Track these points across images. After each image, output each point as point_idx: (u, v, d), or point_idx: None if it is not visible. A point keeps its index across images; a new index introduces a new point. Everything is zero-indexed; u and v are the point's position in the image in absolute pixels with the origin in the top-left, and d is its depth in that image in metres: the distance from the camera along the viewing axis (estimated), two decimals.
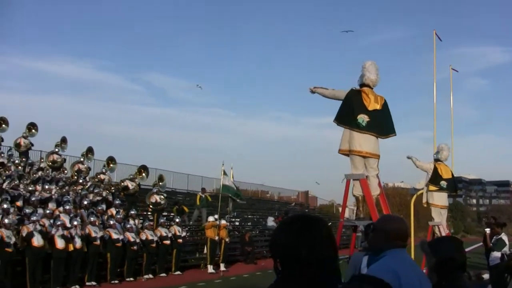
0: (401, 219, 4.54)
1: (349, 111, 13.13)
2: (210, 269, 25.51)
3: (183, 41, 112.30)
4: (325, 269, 2.69)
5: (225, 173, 27.26)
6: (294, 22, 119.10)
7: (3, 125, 26.54)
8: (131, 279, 21.58)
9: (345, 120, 13.21)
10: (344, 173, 13.30)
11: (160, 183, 27.40)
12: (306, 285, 2.62)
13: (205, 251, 26.98)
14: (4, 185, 20.84)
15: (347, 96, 13.31)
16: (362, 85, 13.23)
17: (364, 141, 13.04)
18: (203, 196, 32.42)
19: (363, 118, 12.98)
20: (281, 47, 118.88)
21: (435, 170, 18.67)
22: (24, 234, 17.90)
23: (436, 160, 18.95)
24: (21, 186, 21.56)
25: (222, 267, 26.23)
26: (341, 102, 13.29)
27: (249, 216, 42.64)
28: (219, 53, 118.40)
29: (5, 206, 18.66)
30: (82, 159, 27.45)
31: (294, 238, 2.69)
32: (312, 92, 13.71)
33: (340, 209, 19.90)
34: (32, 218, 18.46)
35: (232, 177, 28.31)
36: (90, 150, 27.99)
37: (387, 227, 4.30)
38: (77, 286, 19.45)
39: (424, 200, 19.26)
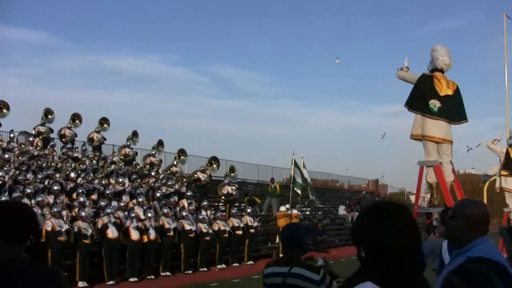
0: (483, 203, 4.05)
1: (421, 96, 13.00)
2: None
3: (249, 32, 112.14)
4: (410, 255, 2.68)
5: (296, 163, 27.24)
6: (357, 10, 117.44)
7: (77, 121, 27.15)
8: (205, 269, 21.78)
9: (416, 105, 13.10)
10: (417, 160, 13.14)
11: (232, 174, 27.59)
12: (391, 272, 2.61)
13: (277, 240, 27.04)
14: (79, 179, 21.37)
15: (418, 81, 13.18)
16: (434, 70, 13.06)
17: (436, 127, 12.90)
18: (273, 186, 32.46)
19: (434, 104, 12.84)
20: (346, 35, 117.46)
21: (507, 155, 18.31)
22: (99, 226, 18.37)
23: (510, 145, 18.59)
24: (96, 180, 22.06)
25: None
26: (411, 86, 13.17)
27: (320, 205, 42.53)
28: (286, 43, 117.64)
29: (81, 199, 19.19)
30: (153, 152, 27.87)
31: (379, 225, 2.67)
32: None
33: (411, 197, 19.68)
34: (106, 211, 18.91)
35: (304, 166, 28.24)
36: (160, 143, 28.38)
37: (469, 213, 3.87)
38: (152, 277, 19.79)
39: (497, 185, 18.91)
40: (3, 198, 17.43)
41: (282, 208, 27.23)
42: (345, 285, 2.76)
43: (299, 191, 28.26)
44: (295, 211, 27.11)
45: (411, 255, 2.69)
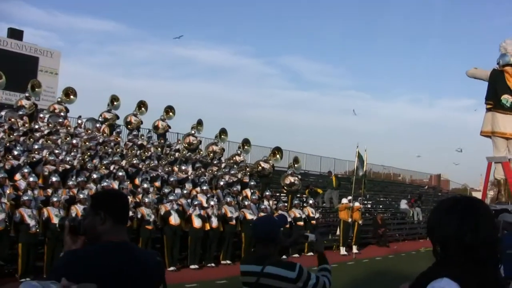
0: None
1: (493, 92, 12.78)
2: (343, 251, 25.49)
3: (318, 24, 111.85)
4: (490, 251, 2.63)
5: (359, 155, 27.08)
6: (429, 3, 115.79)
7: (143, 109, 27.54)
8: None
9: (489, 101, 12.87)
10: (484, 156, 12.93)
11: (295, 165, 27.61)
12: (471, 268, 2.57)
13: (337, 232, 26.97)
14: (144, 166, 21.68)
15: (490, 76, 12.95)
16: (505, 64, 12.81)
17: (508, 122, 12.67)
18: (330, 178, 32.34)
19: (507, 99, 12.63)
20: (417, 29, 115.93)
21: None
22: (162, 213, 18.63)
23: None
24: (160, 167, 22.34)
25: (355, 249, 26.15)
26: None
27: (381, 199, 42.20)
28: (355, 34, 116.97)
29: (145, 185, 19.49)
30: (216, 141, 28.05)
31: (457, 221, 2.63)
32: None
33: (473, 193, 19.35)
34: (170, 198, 19.14)
35: (366, 159, 28.09)
36: (223, 132, 28.52)
37: None
38: (213, 264, 19.99)
39: None
40: (70, 183, 17.86)
41: (344, 201, 27.10)
42: (420, 280, 2.73)
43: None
44: (357, 204, 26.94)
45: (492, 251, 2.65)
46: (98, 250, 3.37)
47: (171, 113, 28.22)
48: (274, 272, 4.79)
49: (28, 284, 2.80)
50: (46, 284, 2.77)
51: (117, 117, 26.62)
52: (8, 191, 15.84)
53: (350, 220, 26.02)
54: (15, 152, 18.66)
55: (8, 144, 19.39)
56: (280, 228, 5.16)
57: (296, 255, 22.59)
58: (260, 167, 26.33)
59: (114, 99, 26.72)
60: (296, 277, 4.75)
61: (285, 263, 4.92)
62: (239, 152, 28.11)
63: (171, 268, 18.23)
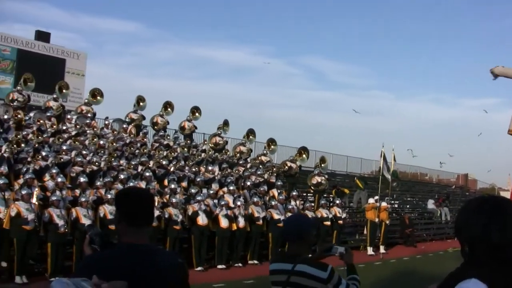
0: None
1: None
2: (370, 251, 25.39)
3: (340, 23, 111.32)
4: None
5: (385, 155, 26.95)
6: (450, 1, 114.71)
7: (169, 109, 27.62)
8: None
9: None
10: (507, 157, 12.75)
11: (322, 165, 27.54)
12: (498, 268, 2.53)
13: (364, 232, 26.87)
14: (171, 167, 21.74)
15: None
16: None
17: None
18: (355, 181, 32.21)
19: None
20: (439, 27, 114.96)
21: None
22: (190, 213, 18.70)
23: None
24: (186, 167, 22.39)
25: (382, 249, 26.03)
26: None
27: (408, 199, 41.97)
28: (377, 34, 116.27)
29: (172, 186, 19.54)
30: (243, 141, 28.06)
31: (485, 221, 2.59)
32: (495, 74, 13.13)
33: (501, 192, 19.15)
34: (197, 198, 19.19)
35: (394, 159, 27.94)
36: (251, 132, 28.51)
37: None
38: (240, 264, 20.02)
39: None
40: (98, 183, 17.99)
41: (371, 200, 27.00)
42: (448, 281, 2.69)
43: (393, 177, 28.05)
44: (384, 204, 26.83)
45: None
46: (112, 253, 3.42)
47: (197, 114, 28.24)
48: (305, 271, 4.72)
49: (59, 281, 2.80)
50: (77, 282, 2.78)
51: (143, 118, 26.74)
52: (36, 192, 15.95)
53: (377, 220, 25.91)
54: (43, 153, 18.81)
55: (36, 145, 19.56)
56: (312, 227, 5.09)
57: None
58: (286, 167, 26.30)
59: (140, 99, 26.83)
60: (327, 277, 4.69)
61: (317, 263, 4.84)
62: (265, 152, 28.08)
63: (199, 268, 18.27)
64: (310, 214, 22.70)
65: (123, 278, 2.99)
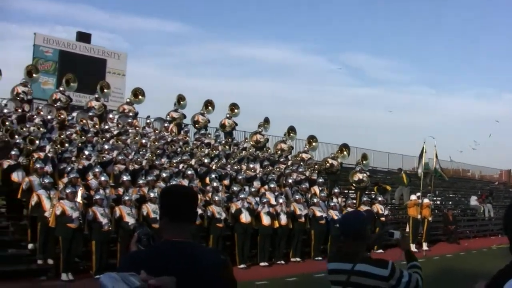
0: None
1: None
2: (412, 248, 25.15)
3: (380, 18, 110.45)
4: None
5: (426, 151, 26.68)
6: None
7: (209, 107, 27.74)
8: None
9: None
10: None
11: (364, 162, 27.39)
12: None
13: (407, 229, 26.64)
14: (212, 165, 21.81)
15: None
16: None
17: None
18: (400, 175, 31.97)
19: None
20: (480, 21, 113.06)
21: None
22: (233, 211, 18.73)
23: None
24: (228, 165, 22.44)
25: (425, 246, 25.77)
26: None
27: (451, 195, 41.55)
28: (418, 29, 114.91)
29: (214, 184, 19.60)
30: (284, 139, 28.02)
31: None
32: None
33: None
34: (240, 196, 19.25)
35: (436, 156, 27.64)
36: (292, 129, 28.47)
37: None
38: (282, 262, 19.97)
39: None
40: (140, 182, 18.12)
41: (413, 197, 26.78)
42: (497, 279, 2.63)
43: (436, 175, 27.74)
44: (426, 200, 26.59)
45: None
46: (155, 249, 3.45)
47: (236, 110, 28.34)
48: (366, 270, 4.67)
49: (108, 275, 2.83)
50: (125, 276, 2.80)
51: (184, 116, 26.93)
52: (81, 190, 16.13)
53: (419, 217, 25.69)
54: (86, 152, 19.05)
55: (80, 145, 19.78)
56: (368, 224, 5.02)
57: (380, 251, 22.47)
58: (327, 164, 26.21)
59: (180, 98, 27.01)
60: (389, 275, 4.62)
61: (377, 261, 4.77)
62: (305, 149, 28.01)
63: (242, 266, 18.33)
64: (366, 209, 22.63)
65: (167, 274, 2.99)
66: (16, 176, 16.87)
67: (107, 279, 2.82)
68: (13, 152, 17.29)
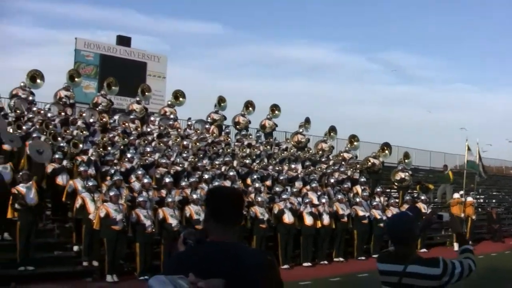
0: None
1: None
2: (456, 247, 24.78)
3: (418, 15, 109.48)
4: None
5: (469, 149, 26.37)
6: None
7: (250, 108, 27.81)
8: (376, 256, 21.59)
9: None
10: None
11: (406, 161, 27.22)
12: None
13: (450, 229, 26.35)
14: (254, 166, 21.83)
15: None
16: None
17: None
18: (446, 172, 31.65)
19: None
20: None
21: None
22: (275, 212, 18.71)
23: None
24: (269, 166, 22.43)
25: (456, 247, 25.43)
26: None
27: (494, 193, 41.00)
28: (457, 24, 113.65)
29: (256, 185, 19.59)
30: (325, 139, 27.95)
31: None
32: None
33: None
34: (282, 196, 19.22)
35: (478, 154, 27.28)
36: (332, 129, 28.41)
37: None
38: (325, 262, 19.91)
39: None
40: (183, 183, 18.19)
41: (456, 195, 26.51)
42: None
43: (477, 173, 27.37)
44: (469, 199, 26.27)
45: None
46: (201, 250, 3.43)
47: (276, 112, 28.40)
48: (417, 271, 4.62)
49: (157, 278, 2.84)
50: (173, 279, 2.81)
51: (225, 118, 27.04)
52: (125, 193, 16.29)
53: (462, 215, 25.37)
54: (129, 155, 19.19)
55: (122, 147, 19.96)
56: (416, 224, 4.94)
57: (424, 250, 22.29)
58: (369, 163, 26.08)
59: (221, 100, 27.12)
60: (441, 273, 4.57)
61: (427, 260, 4.71)
62: (347, 148, 27.90)
63: (285, 266, 18.27)
64: (395, 210, 22.40)
65: (212, 275, 2.99)
66: (60, 180, 17.10)
67: (156, 282, 2.83)
68: (56, 156, 17.53)
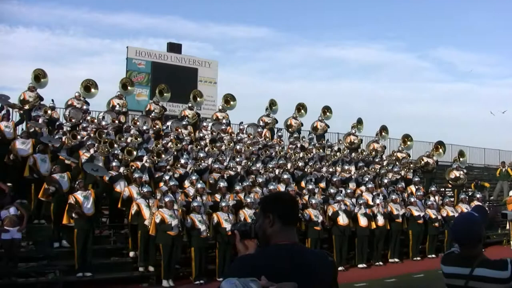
0: None
1: None
2: None
3: (468, 12, 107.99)
4: None
5: None
6: None
7: (302, 111, 27.81)
8: (433, 256, 21.39)
9: None
10: None
11: (461, 159, 26.89)
12: None
13: (507, 227, 25.89)
14: (308, 168, 21.82)
15: None
16: None
17: None
18: (504, 169, 31.14)
19: None
20: None
21: None
22: (330, 213, 18.70)
23: None
24: (323, 168, 22.40)
25: None
26: None
27: None
28: (508, 20, 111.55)
29: (310, 187, 19.60)
30: (377, 139, 27.78)
31: None
32: None
33: None
34: (336, 198, 19.20)
35: None
36: (384, 129, 28.22)
37: None
38: (380, 263, 19.86)
39: None
40: (237, 188, 18.31)
41: None
42: None
43: None
44: None
45: None
46: (266, 253, 3.47)
47: (328, 113, 28.32)
48: (485, 274, 4.53)
49: (229, 282, 2.91)
50: (245, 282, 2.87)
51: (276, 121, 27.06)
52: (180, 198, 16.49)
53: None
54: (182, 161, 19.38)
55: (176, 153, 20.17)
56: (483, 224, 4.84)
57: None
58: (423, 162, 25.85)
59: (272, 103, 27.17)
60: (510, 276, 4.44)
61: (495, 263, 4.58)
62: (400, 148, 27.69)
63: (340, 268, 18.12)
64: (449, 209, 22.16)
65: (277, 278, 3.05)
66: (119, 187, 17.38)
67: (228, 285, 2.90)
68: (114, 164, 17.86)
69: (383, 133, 28.21)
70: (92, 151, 18.33)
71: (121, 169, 17.79)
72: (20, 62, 70.62)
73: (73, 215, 15.08)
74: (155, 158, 19.05)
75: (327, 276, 3.47)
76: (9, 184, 16.43)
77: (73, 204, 15.14)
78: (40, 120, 19.75)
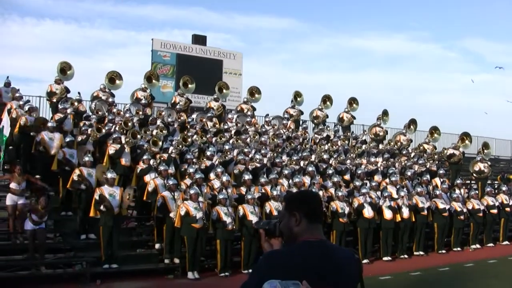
0: None
1: None
2: None
3: (493, 0, 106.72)
4: None
5: None
6: None
7: (327, 103, 27.75)
8: (458, 249, 21.33)
9: None
10: None
11: (485, 151, 26.70)
12: None
13: None
14: (332, 160, 21.79)
15: None
16: None
17: None
18: None
19: None
20: None
21: None
22: (355, 206, 18.67)
23: None
24: (348, 160, 22.35)
25: None
26: None
27: None
28: None
29: (335, 179, 19.59)
30: (404, 131, 27.63)
31: None
32: None
33: None
34: (362, 191, 19.18)
35: None
36: (413, 122, 28.09)
37: None
38: (405, 256, 19.80)
39: None
40: (262, 180, 18.35)
41: None
42: None
43: None
44: None
45: None
46: (295, 250, 3.46)
47: (354, 105, 28.21)
48: None
49: (270, 283, 2.96)
50: (287, 285, 2.92)
51: (301, 113, 27.05)
52: (205, 191, 16.56)
53: None
54: (208, 153, 19.45)
55: (201, 145, 20.23)
56: None
57: (506, 243, 21.87)
58: (448, 153, 25.69)
59: (297, 95, 27.15)
60: None
61: None
62: (427, 140, 27.53)
63: (365, 261, 18.18)
64: (475, 202, 22.05)
65: (307, 276, 3.09)
66: (149, 179, 17.48)
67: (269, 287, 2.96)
68: (145, 157, 17.97)
69: (411, 127, 28.05)
70: (121, 142, 18.46)
71: (151, 161, 17.91)
72: (47, 54, 71.34)
73: (102, 207, 15.20)
74: (181, 146, 19.12)
75: (355, 273, 3.51)
76: (37, 176, 16.64)
77: (103, 196, 15.24)
78: (69, 110, 19.81)
